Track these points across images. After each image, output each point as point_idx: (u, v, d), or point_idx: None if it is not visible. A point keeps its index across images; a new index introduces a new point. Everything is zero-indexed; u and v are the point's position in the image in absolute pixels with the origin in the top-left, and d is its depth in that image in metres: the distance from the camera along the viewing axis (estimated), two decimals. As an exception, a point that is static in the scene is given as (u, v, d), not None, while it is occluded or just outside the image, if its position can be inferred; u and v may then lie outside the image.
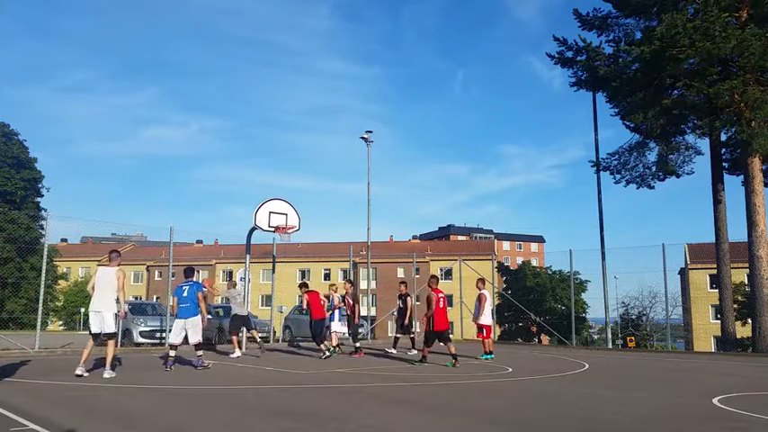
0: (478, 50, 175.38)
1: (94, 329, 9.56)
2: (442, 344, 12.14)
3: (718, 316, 24.17)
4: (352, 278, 17.40)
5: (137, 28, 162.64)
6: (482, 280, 14.80)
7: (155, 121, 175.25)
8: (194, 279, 11.34)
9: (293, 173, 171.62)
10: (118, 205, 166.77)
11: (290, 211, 16.47)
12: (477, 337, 14.93)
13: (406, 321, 15.00)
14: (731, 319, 21.53)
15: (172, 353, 11.01)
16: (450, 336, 12.93)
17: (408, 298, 15.30)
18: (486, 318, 14.22)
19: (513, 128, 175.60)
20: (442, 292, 12.13)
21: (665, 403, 7.67)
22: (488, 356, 14.03)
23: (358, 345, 14.93)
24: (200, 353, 11.17)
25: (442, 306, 12.00)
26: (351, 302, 15.16)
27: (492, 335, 15.28)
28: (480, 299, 14.12)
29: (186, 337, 10.97)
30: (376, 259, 27.83)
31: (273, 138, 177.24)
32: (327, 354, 13.73)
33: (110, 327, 9.55)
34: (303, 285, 14.82)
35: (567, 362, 13.83)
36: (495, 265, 34.46)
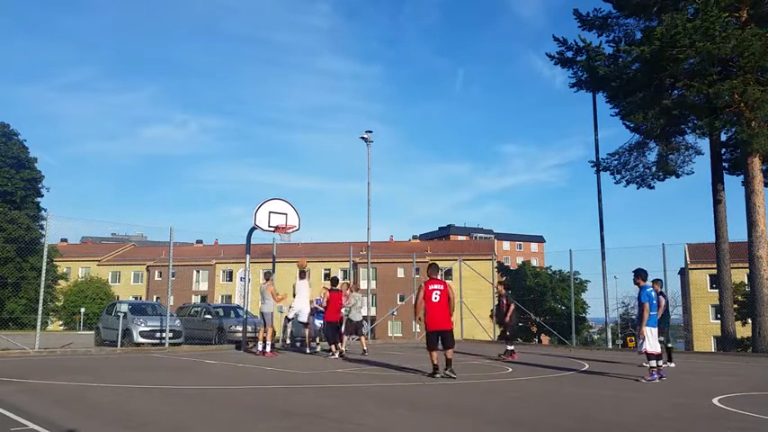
0: (479, 49, 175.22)
1: (290, 315, 15.58)
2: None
3: (718, 316, 24.14)
4: (353, 278, 17.10)
5: (136, 26, 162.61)
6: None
7: (154, 120, 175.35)
8: None
9: (293, 173, 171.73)
10: (118, 205, 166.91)
11: (290, 211, 16.49)
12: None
13: None
14: (731, 319, 21.52)
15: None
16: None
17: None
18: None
19: (514, 127, 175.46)
20: (438, 283, 10.00)
21: (665, 403, 7.66)
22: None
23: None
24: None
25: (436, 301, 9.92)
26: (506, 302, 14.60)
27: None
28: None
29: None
30: (376, 259, 27.80)
31: (273, 138, 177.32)
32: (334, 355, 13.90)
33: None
34: (334, 281, 15.15)
35: (567, 362, 13.83)
36: (495, 265, 34.45)
